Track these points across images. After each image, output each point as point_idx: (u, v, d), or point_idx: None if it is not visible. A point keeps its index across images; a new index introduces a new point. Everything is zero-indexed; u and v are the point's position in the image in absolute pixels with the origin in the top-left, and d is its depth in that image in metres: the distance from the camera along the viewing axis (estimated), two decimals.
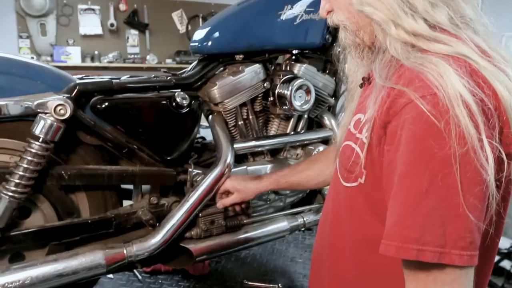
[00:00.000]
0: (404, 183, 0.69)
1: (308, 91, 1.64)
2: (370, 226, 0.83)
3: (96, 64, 5.16)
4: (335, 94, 1.85)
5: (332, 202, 0.97)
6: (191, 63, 1.69)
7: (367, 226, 0.84)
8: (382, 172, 0.77)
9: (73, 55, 5.09)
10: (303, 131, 1.79)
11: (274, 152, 1.76)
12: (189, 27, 5.34)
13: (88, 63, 5.13)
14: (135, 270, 2.07)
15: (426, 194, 0.67)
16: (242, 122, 1.65)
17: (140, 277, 2.04)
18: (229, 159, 1.50)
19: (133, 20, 5.27)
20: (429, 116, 0.67)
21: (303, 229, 1.77)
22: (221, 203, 1.49)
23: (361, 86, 0.93)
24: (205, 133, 1.86)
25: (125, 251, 1.31)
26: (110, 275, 2.03)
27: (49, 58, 4.99)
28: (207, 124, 1.64)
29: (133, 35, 5.33)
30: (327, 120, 1.83)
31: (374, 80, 0.81)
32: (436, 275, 0.68)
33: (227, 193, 1.50)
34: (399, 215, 0.70)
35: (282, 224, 1.67)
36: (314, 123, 1.87)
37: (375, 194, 0.81)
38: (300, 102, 1.63)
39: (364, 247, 0.86)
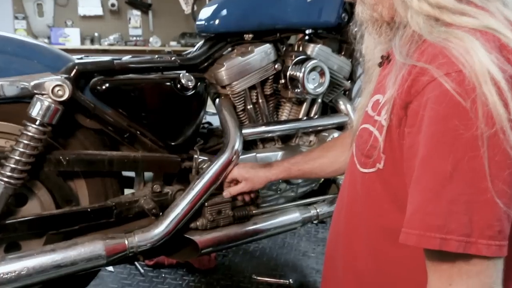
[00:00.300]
0: (426, 167, 0.69)
1: (322, 73, 1.63)
2: (389, 215, 0.83)
3: (96, 46, 5.18)
4: (351, 77, 1.84)
5: (348, 189, 0.97)
6: None
7: (386, 215, 0.84)
8: (402, 156, 0.76)
9: (72, 37, 5.11)
10: (316, 116, 1.78)
11: (285, 139, 1.76)
12: (195, 8, 5.29)
13: (88, 46, 5.15)
14: (136, 263, 2.09)
15: (451, 178, 0.66)
16: (251, 106, 1.65)
17: (142, 270, 2.06)
18: (237, 145, 1.50)
19: (135, 0, 5.26)
20: (453, 95, 0.66)
21: (316, 221, 1.77)
22: (228, 191, 1.49)
23: (380, 65, 0.92)
24: (212, 120, 1.86)
25: (126, 242, 1.32)
26: (111, 268, 2.05)
27: (46, 40, 5.02)
28: (214, 111, 1.65)
29: (135, 16, 5.33)
30: (343, 104, 1.82)
31: (393, 58, 0.80)
32: (461, 266, 0.67)
33: (235, 182, 1.50)
34: (421, 201, 0.69)
35: (294, 216, 1.67)
36: (329, 108, 1.86)
37: (394, 181, 0.80)
38: (314, 85, 1.62)
39: (383, 238, 0.86)
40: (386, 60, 0.89)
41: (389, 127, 0.78)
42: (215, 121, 1.76)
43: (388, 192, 0.83)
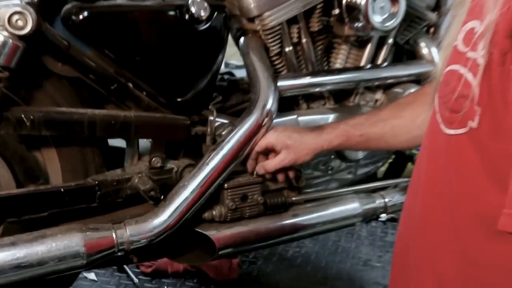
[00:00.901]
0: None
1: (394, 0, 1.61)
2: (486, 196, 0.82)
3: None
4: (438, 6, 1.81)
5: (426, 161, 0.96)
6: None
7: (481, 197, 0.83)
8: (507, 108, 0.75)
9: None
10: (386, 64, 1.77)
11: (339, 96, 1.76)
12: None
13: None
14: (128, 269, 2.13)
15: None
16: (291, 48, 1.65)
17: (136, 280, 2.09)
18: (270, 103, 1.50)
19: None
20: None
21: (383, 216, 1.76)
22: (262, 166, 1.50)
23: None
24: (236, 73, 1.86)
25: (114, 235, 1.34)
26: (93, 276, 2.10)
27: None
28: (238, 62, 1.64)
29: None
30: (425, 47, 1.80)
31: None
32: None
33: (270, 152, 1.50)
34: None
35: (351, 207, 1.68)
36: (404, 53, 1.84)
37: (494, 146, 0.79)
38: (382, 16, 1.61)
39: (475, 228, 0.85)
40: None
41: (488, 66, 0.76)
42: (240, 74, 1.76)
43: (484, 162, 0.82)
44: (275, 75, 1.59)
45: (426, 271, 0.95)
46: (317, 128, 1.50)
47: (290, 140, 1.46)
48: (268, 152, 1.50)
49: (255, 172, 1.52)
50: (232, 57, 2.43)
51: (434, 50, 1.79)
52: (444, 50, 0.98)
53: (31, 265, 1.26)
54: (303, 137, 1.46)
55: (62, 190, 1.39)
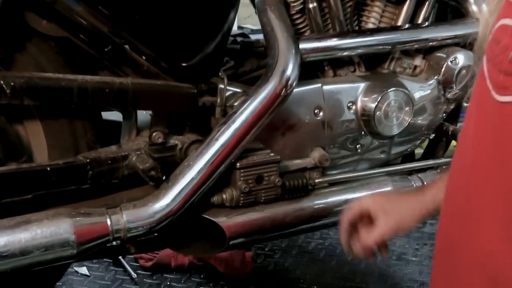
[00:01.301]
0: None
1: None
2: None
3: None
4: None
5: (473, 136, 0.95)
6: None
7: None
8: None
9: None
10: (427, 23, 1.76)
11: (372, 62, 1.76)
12: None
13: None
14: (125, 262, 2.13)
15: None
16: (315, 4, 1.64)
17: (134, 275, 2.10)
18: (290, 69, 1.50)
19: None
20: None
21: None
22: (359, 244, 1.35)
23: None
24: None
25: (108, 222, 1.34)
26: (84, 270, 2.10)
27: None
28: (254, 26, 1.63)
29: None
30: (474, 4, 1.78)
31: None
32: None
33: (361, 221, 1.37)
34: None
35: (384, 191, 1.67)
36: (449, 10, 1.83)
37: None
38: None
39: None
40: None
41: None
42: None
43: None
44: (297, 36, 1.58)
45: (477, 272, 0.93)
46: (416, 189, 1.55)
47: (390, 204, 1.38)
48: (357, 222, 1.38)
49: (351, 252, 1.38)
50: (247, 20, 2.41)
51: (485, 8, 1.77)
52: (490, 2, 0.97)
53: (13, 255, 1.26)
54: (403, 200, 1.39)
55: (48, 169, 1.39)
